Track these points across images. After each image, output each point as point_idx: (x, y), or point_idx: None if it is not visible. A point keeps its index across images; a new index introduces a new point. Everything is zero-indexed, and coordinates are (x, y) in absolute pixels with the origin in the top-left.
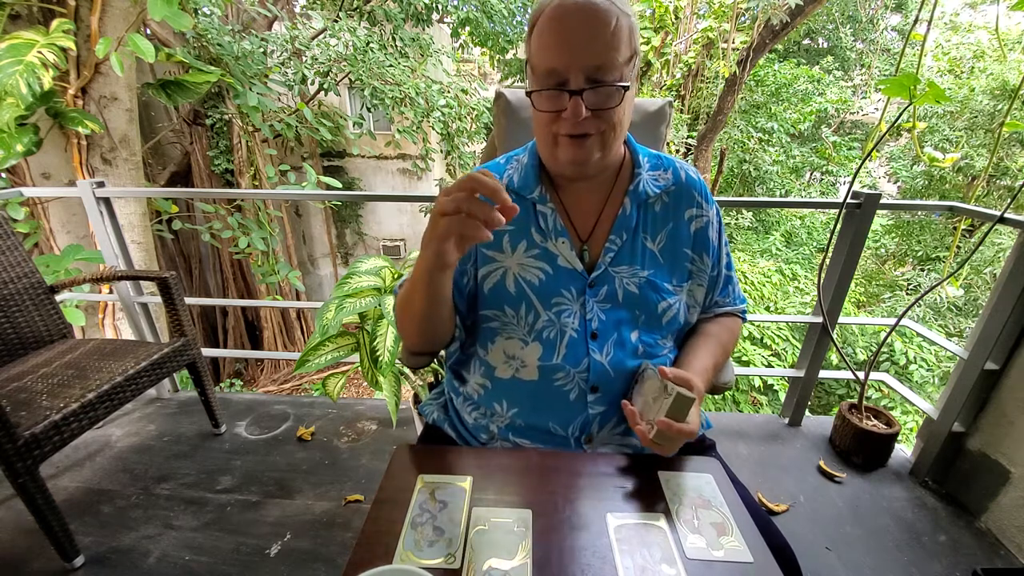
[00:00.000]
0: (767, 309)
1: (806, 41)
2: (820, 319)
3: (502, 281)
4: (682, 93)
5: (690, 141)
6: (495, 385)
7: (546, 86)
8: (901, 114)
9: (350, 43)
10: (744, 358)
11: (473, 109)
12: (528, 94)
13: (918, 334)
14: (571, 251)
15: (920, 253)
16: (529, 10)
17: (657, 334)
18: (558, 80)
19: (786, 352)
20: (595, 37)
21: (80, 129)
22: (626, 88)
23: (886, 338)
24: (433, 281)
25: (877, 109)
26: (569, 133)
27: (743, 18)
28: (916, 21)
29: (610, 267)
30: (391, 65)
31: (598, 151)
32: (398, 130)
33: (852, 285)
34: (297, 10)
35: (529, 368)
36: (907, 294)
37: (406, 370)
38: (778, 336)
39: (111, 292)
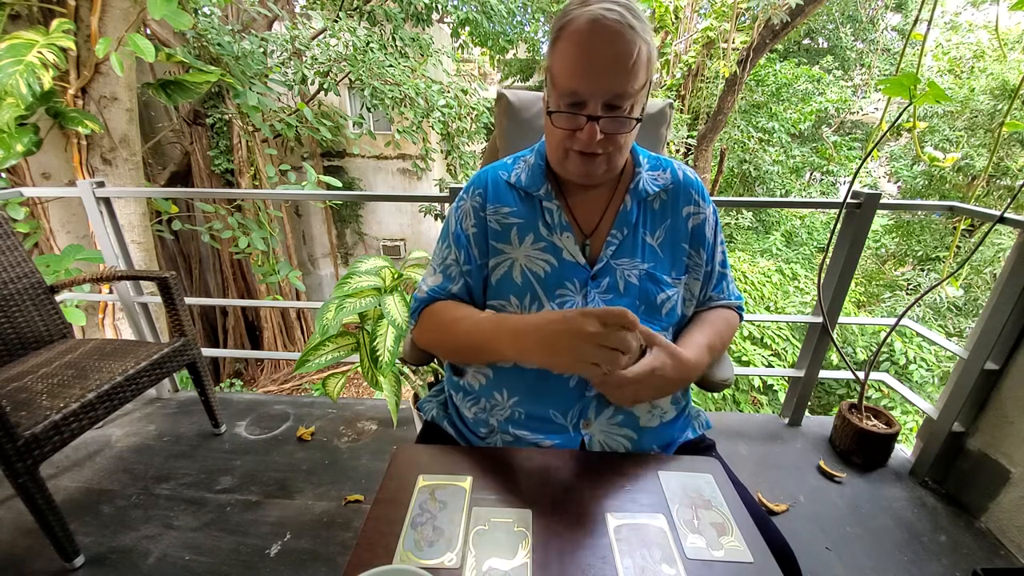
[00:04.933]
0: (767, 309)
1: (806, 41)
2: (820, 319)
3: (509, 272)
4: (682, 93)
5: (690, 141)
6: (496, 374)
7: (565, 104)
8: (901, 114)
9: (350, 43)
10: (744, 358)
11: (473, 109)
12: (548, 113)
13: (918, 334)
14: (574, 245)
15: (920, 253)
16: (529, 10)
17: (656, 324)
18: (577, 101)
19: (786, 352)
20: (617, 67)
21: (80, 129)
22: (639, 120)
23: (886, 338)
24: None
25: (877, 109)
26: (581, 151)
27: (743, 18)
28: (916, 21)
29: (611, 260)
30: (391, 65)
31: (605, 166)
32: (398, 130)
33: (852, 285)
34: (297, 10)
35: None
36: (907, 294)
37: (406, 370)
38: (778, 336)
39: (111, 292)
